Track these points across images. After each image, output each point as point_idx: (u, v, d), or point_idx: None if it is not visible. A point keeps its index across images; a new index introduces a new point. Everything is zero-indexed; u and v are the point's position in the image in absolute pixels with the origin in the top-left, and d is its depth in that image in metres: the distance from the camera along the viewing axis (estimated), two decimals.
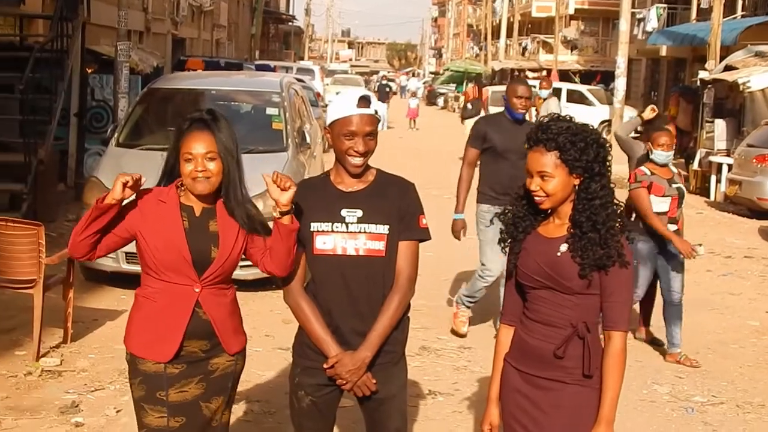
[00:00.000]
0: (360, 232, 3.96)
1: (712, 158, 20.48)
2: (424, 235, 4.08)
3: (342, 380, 4.00)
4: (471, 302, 8.59)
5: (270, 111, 11.23)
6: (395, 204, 4.00)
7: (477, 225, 8.33)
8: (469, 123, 25.49)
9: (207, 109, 4.08)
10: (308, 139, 11.42)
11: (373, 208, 3.98)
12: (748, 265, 13.05)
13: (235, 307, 4.15)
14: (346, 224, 3.97)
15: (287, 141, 10.73)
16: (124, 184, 3.79)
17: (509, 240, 3.88)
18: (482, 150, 8.16)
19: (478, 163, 8.36)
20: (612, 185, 3.71)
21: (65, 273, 7.90)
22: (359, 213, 3.97)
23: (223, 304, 4.04)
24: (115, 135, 10.82)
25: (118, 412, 6.31)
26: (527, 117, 8.12)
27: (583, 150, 3.62)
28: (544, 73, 46.50)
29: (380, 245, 3.96)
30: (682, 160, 25.49)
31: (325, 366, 4.00)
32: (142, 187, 3.91)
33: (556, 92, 34.70)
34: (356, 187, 4.03)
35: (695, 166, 21.59)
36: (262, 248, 4.03)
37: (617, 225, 3.67)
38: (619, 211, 3.71)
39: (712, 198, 19.99)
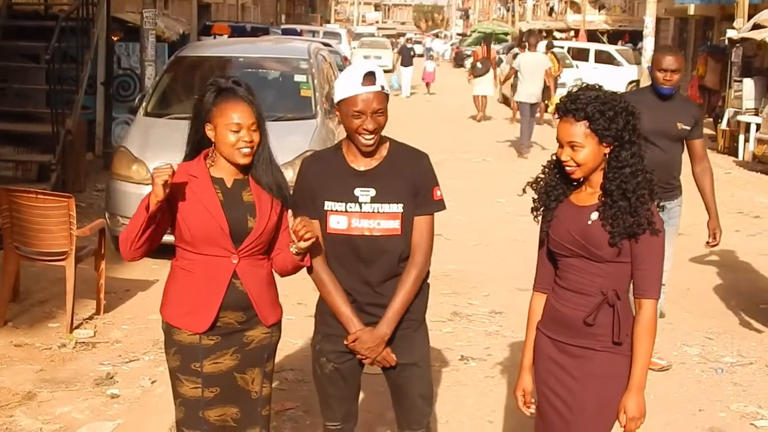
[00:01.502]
0: (374, 212, 3.96)
1: (740, 117, 20.29)
2: (439, 207, 4.08)
3: (361, 356, 4.05)
4: None
5: (298, 78, 11.20)
6: (409, 180, 3.98)
7: None
8: (478, 81, 26.14)
9: (232, 79, 4.03)
10: None
11: (387, 187, 3.96)
12: None
13: (272, 278, 4.15)
14: (360, 204, 3.96)
15: (316, 108, 10.71)
16: (164, 184, 3.71)
17: (542, 208, 3.88)
18: None
19: None
20: (643, 153, 3.70)
21: (96, 244, 7.97)
22: (373, 192, 3.96)
23: (260, 275, 4.05)
24: (143, 104, 10.84)
25: (153, 382, 6.39)
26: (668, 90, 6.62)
27: (612, 119, 3.60)
28: (572, 33, 46.29)
29: (395, 224, 3.97)
30: (711, 120, 25.33)
31: (345, 342, 4.05)
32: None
33: (584, 53, 34.60)
34: (370, 164, 4.01)
35: (723, 125, 21.39)
36: (280, 244, 4.07)
37: (647, 193, 3.67)
38: (649, 179, 3.70)
39: (740, 157, 19.83)
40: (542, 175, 3.90)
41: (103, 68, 15.17)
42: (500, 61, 26.63)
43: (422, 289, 4.11)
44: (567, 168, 3.71)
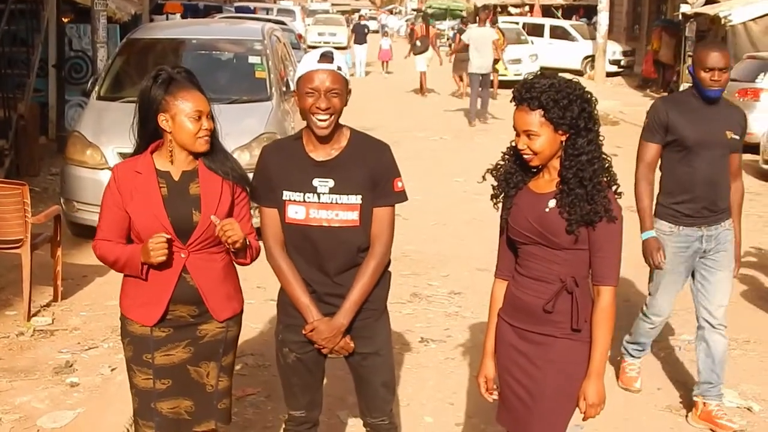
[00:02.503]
0: (332, 203, 3.92)
1: None
2: (399, 199, 4.04)
3: (319, 346, 4.04)
4: (639, 351, 6.45)
5: (252, 59, 11.11)
6: (369, 171, 3.94)
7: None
8: (419, 59, 27.12)
9: (177, 67, 3.99)
10: (292, 87, 11.33)
11: (345, 178, 3.93)
12: None
13: (229, 272, 4.10)
14: (318, 195, 3.93)
15: (271, 90, 10.65)
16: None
17: (501, 195, 3.89)
18: (665, 144, 5.76)
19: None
20: (600, 140, 3.71)
21: (52, 231, 7.89)
22: (331, 183, 3.92)
23: (214, 269, 4.01)
24: (96, 88, 10.72)
25: (113, 370, 6.34)
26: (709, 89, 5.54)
27: (567, 107, 3.60)
28: (527, 8, 46.31)
29: (354, 215, 3.94)
30: (666, 94, 25.51)
31: (303, 332, 4.03)
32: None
33: (539, 28, 34.68)
34: (329, 154, 3.96)
35: None
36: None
37: (604, 180, 3.68)
38: (606, 166, 3.71)
39: None
40: (501, 162, 3.90)
41: (55, 51, 14.97)
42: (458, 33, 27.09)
43: (383, 279, 4.09)
44: (524, 156, 3.72)
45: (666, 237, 5.82)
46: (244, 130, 9.66)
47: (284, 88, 11.06)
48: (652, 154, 5.78)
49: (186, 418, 4.11)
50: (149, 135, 3.96)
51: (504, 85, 28.38)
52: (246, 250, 4.01)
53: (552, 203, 3.70)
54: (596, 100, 3.73)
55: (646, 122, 5.82)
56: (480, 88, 20.89)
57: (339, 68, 3.88)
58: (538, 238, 3.73)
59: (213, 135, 3.95)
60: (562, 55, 34.55)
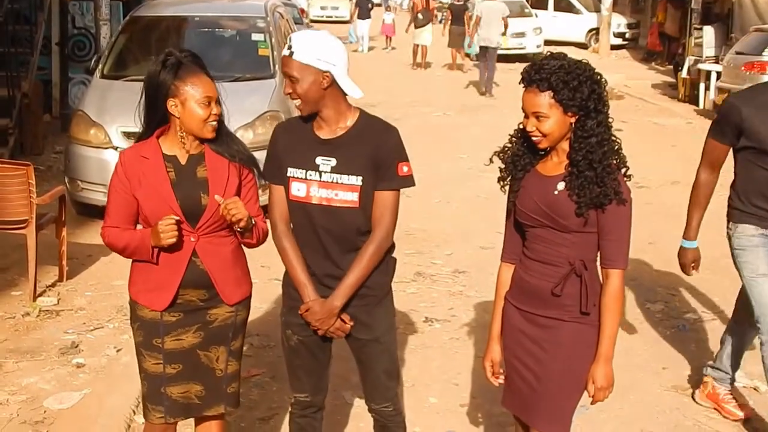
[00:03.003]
0: (333, 182, 3.90)
1: (700, 66, 20.35)
2: (404, 183, 3.97)
3: (313, 327, 4.02)
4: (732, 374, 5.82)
5: (255, 37, 11.07)
6: (371, 153, 3.89)
7: (736, 257, 5.53)
8: (419, 32, 27.40)
9: (184, 51, 3.95)
10: None
11: (347, 158, 3.90)
12: None
13: (238, 255, 4.10)
14: (320, 173, 3.91)
15: (274, 68, 10.60)
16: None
17: (509, 177, 3.86)
18: (738, 148, 5.17)
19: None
20: (610, 121, 3.68)
21: (57, 211, 7.90)
22: (333, 162, 3.90)
23: (223, 253, 4.00)
24: (99, 66, 10.70)
25: (118, 351, 6.35)
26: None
27: (577, 88, 3.56)
28: None
29: (353, 196, 3.90)
30: (671, 67, 25.41)
31: (299, 312, 4.02)
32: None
33: (543, 1, 34.50)
34: (334, 133, 3.94)
35: (684, 73, 21.44)
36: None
37: (614, 162, 3.66)
38: (616, 148, 3.68)
39: (701, 106, 19.93)
40: (509, 145, 3.87)
41: (58, 28, 14.88)
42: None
43: (385, 265, 4.05)
44: (533, 138, 3.69)
45: (751, 238, 5.31)
46: (248, 108, 9.63)
47: None
48: (720, 155, 5.27)
49: (196, 403, 4.11)
50: (157, 121, 3.94)
51: (505, 59, 28.36)
52: (252, 231, 4.00)
53: (561, 186, 3.67)
54: (606, 81, 3.69)
55: (717, 119, 5.28)
56: (486, 60, 21.81)
57: (291, 53, 3.83)
58: (546, 221, 3.71)
59: (219, 119, 3.95)
60: (566, 28, 34.41)
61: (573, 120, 3.63)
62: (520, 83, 3.70)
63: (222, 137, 3.98)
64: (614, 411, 5.66)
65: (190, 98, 3.83)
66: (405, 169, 3.95)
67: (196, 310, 4.01)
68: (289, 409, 4.37)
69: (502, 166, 3.88)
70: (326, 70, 3.84)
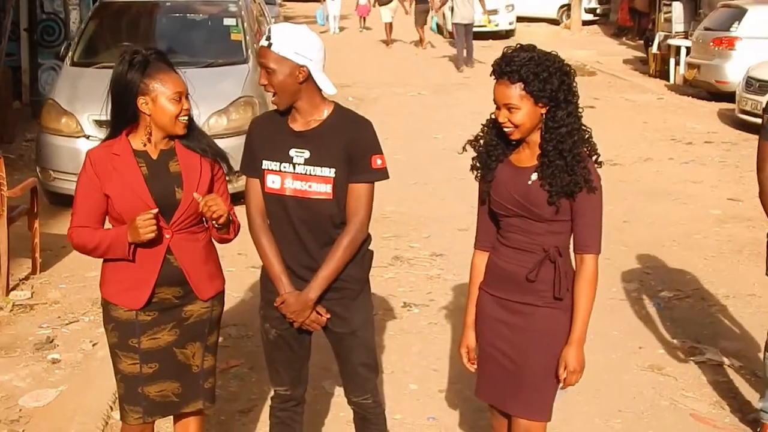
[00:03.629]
0: (307, 174, 3.90)
1: (670, 41, 20.42)
2: (377, 176, 3.96)
3: (289, 319, 4.02)
4: None
5: (228, 21, 10.99)
6: (344, 146, 3.89)
7: None
8: (384, 10, 28.52)
9: (150, 49, 3.92)
10: None
11: (321, 150, 3.90)
12: (708, 151, 13.17)
13: (210, 250, 4.09)
14: (294, 165, 3.91)
15: (247, 52, 10.55)
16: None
17: (482, 168, 3.87)
18: None
19: None
20: (580, 111, 3.71)
21: (29, 203, 7.83)
22: (307, 154, 3.90)
23: (196, 249, 3.99)
24: (69, 54, 10.60)
25: (94, 345, 6.31)
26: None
27: (547, 80, 3.60)
28: None
29: (327, 188, 3.90)
30: (642, 42, 25.48)
31: (275, 304, 4.02)
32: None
33: None
34: (308, 125, 3.94)
35: (654, 49, 21.52)
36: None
37: (584, 151, 3.69)
38: (586, 137, 3.72)
39: (672, 81, 20.01)
40: (482, 134, 3.89)
41: (26, 13, 14.76)
42: None
43: (360, 258, 4.05)
44: (505, 129, 3.71)
45: None
46: (221, 94, 9.59)
47: None
48: None
49: (174, 401, 4.09)
50: (126, 119, 3.90)
51: (478, 36, 28.37)
52: (230, 225, 4.00)
53: (534, 176, 3.70)
54: (575, 72, 3.73)
55: (764, 122, 4.88)
56: (464, 37, 22.67)
57: (270, 44, 3.83)
58: (521, 210, 3.74)
59: (190, 113, 3.94)
60: (538, 4, 34.45)
61: (544, 111, 3.66)
62: (491, 75, 3.71)
63: (191, 132, 3.97)
64: (591, 392, 5.69)
65: (161, 95, 3.81)
66: (379, 162, 3.94)
67: (171, 307, 3.98)
68: (270, 403, 4.37)
69: (475, 155, 3.89)
70: (303, 65, 3.83)
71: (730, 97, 16.06)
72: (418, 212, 9.82)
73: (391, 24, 29.04)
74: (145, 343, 3.97)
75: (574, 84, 3.70)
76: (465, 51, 22.61)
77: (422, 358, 6.22)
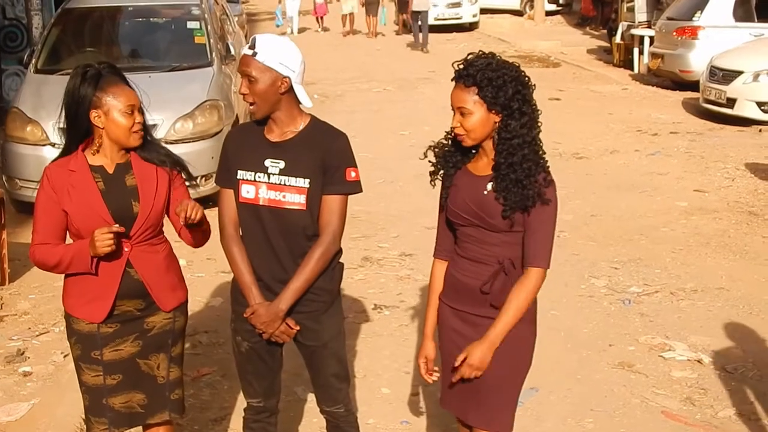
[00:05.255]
0: (281, 184, 3.93)
1: (633, 31, 20.54)
2: (351, 189, 3.99)
3: (258, 330, 4.03)
4: None
5: (191, 25, 10.96)
6: (319, 157, 3.91)
7: None
8: (344, 1, 29.78)
9: (103, 63, 3.94)
10: (233, 51, 11.24)
11: (295, 161, 3.92)
12: (674, 142, 13.26)
13: (171, 261, 4.11)
14: (269, 175, 3.94)
15: (211, 55, 10.54)
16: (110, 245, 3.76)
17: (441, 172, 3.88)
18: None
19: None
20: (539, 125, 3.69)
21: None
22: (282, 164, 3.93)
23: (157, 261, 4.01)
24: (33, 61, 10.53)
25: (65, 356, 6.27)
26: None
27: (501, 87, 3.58)
28: None
29: (300, 198, 3.92)
30: (605, 32, 25.61)
31: (244, 315, 4.04)
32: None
33: None
34: (284, 137, 3.97)
35: (618, 39, 21.64)
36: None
37: (534, 164, 3.64)
38: (538, 151, 3.68)
39: (635, 71, 20.13)
40: (444, 141, 3.90)
41: None
42: None
43: (332, 271, 4.07)
44: (456, 134, 3.71)
45: None
46: (186, 97, 9.56)
47: (224, 52, 10.94)
48: None
49: (139, 411, 4.11)
50: (81, 134, 3.92)
51: (442, 29, 28.55)
52: (204, 224, 4.04)
53: (490, 186, 3.69)
54: (534, 85, 3.71)
55: None
56: (420, 23, 25.67)
57: (254, 53, 3.86)
58: (476, 220, 3.73)
59: (144, 126, 3.95)
60: None
61: (497, 119, 3.64)
62: (452, 80, 3.72)
63: (148, 144, 4.00)
64: (563, 392, 5.74)
65: (113, 108, 3.83)
66: (353, 174, 3.97)
67: (133, 319, 4.01)
68: (243, 415, 4.38)
69: (434, 160, 3.89)
70: (286, 75, 3.87)
71: (694, 86, 16.19)
72: (386, 211, 9.84)
73: (353, 15, 30.41)
74: (108, 354, 3.99)
75: (531, 95, 3.68)
76: (421, 37, 25.45)
77: (394, 361, 6.24)
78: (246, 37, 20.61)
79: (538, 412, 5.49)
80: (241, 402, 4.40)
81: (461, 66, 3.67)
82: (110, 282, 3.91)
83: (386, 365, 6.20)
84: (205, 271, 7.73)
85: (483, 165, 3.76)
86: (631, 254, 8.36)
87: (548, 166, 3.72)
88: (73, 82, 3.85)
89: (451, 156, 3.84)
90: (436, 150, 3.91)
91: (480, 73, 3.60)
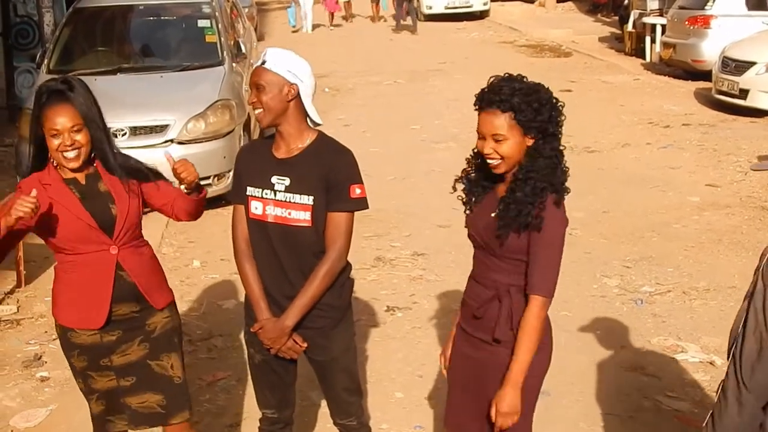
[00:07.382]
0: (287, 201, 3.96)
1: (645, 19, 20.48)
2: (355, 206, 3.99)
3: (266, 345, 4.08)
4: None
5: (202, 23, 10.98)
6: (324, 174, 3.93)
7: None
8: None
9: (61, 78, 3.98)
10: (243, 49, 11.27)
11: (300, 178, 3.95)
12: (686, 134, 13.23)
13: (155, 263, 4.20)
14: (275, 192, 3.98)
15: (222, 54, 10.56)
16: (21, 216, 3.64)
17: (472, 200, 3.80)
18: None
19: None
20: (562, 147, 3.62)
21: None
22: (287, 181, 3.96)
23: (144, 261, 4.09)
24: (45, 61, 10.57)
25: None
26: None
27: (538, 110, 3.50)
28: None
29: (306, 215, 3.95)
30: (617, 18, 25.52)
31: (252, 330, 4.10)
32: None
33: None
34: (290, 153, 4.00)
35: (630, 27, 21.58)
36: (166, 199, 4.15)
37: (547, 186, 3.54)
38: (559, 173, 3.58)
39: (647, 60, 20.07)
40: (469, 169, 3.80)
41: (0, 18, 14.67)
42: None
43: (340, 286, 4.09)
44: (490, 161, 3.60)
45: None
46: (198, 97, 9.59)
47: (236, 50, 10.96)
48: None
49: (159, 412, 4.17)
50: (45, 154, 3.96)
51: (453, 17, 28.51)
52: (200, 189, 4.15)
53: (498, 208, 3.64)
54: (563, 105, 3.62)
55: None
56: (405, 6, 28.24)
57: (264, 63, 3.91)
58: (482, 242, 3.70)
59: (98, 141, 3.96)
60: None
61: (530, 143, 3.55)
62: (474, 105, 3.61)
63: (107, 161, 4.02)
64: (575, 395, 5.76)
65: (46, 130, 3.88)
66: (357, 191, 3.98)
67: (133, 323, 4.07)
68: (258, 425, 4.42)
69: (465, 193, 3.81)
70: (293, 83, 3.90)
71: (707, 75, 16.13)
72: (397, 209, 9.85)
73: (350, 2, 33.20)
74: (117, 360, 4.06)
75: (562, 119, 3.60)
76: (409, 19, 27.92)
77: (407, 365, 6.27)
78: (256, 29, 20.62)
79: (549, 417, 5.50)
80: (257, 408, 4.43)
81: (490, 91, 3.55)
82: (103, 287, 3.97)
83: (399, 369, 6.23)
84: (219, 273, 7.77)
85: (503, 187, 3.68)
86: (644, 252, 8.37)
87: (566, 189, 3.63)
88: (34, 102, 3.94)
89: (478, 185, 3.76)
90: (464, 180, 3.82)
91: (515, 96, 3.49)
